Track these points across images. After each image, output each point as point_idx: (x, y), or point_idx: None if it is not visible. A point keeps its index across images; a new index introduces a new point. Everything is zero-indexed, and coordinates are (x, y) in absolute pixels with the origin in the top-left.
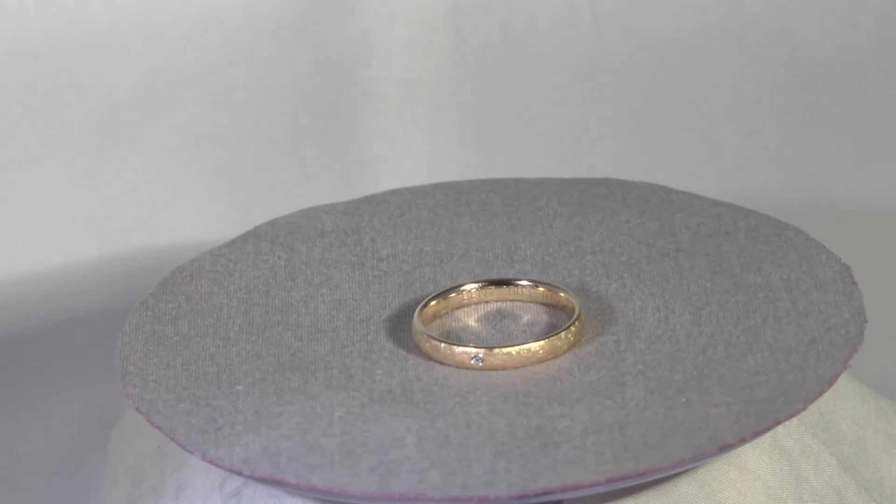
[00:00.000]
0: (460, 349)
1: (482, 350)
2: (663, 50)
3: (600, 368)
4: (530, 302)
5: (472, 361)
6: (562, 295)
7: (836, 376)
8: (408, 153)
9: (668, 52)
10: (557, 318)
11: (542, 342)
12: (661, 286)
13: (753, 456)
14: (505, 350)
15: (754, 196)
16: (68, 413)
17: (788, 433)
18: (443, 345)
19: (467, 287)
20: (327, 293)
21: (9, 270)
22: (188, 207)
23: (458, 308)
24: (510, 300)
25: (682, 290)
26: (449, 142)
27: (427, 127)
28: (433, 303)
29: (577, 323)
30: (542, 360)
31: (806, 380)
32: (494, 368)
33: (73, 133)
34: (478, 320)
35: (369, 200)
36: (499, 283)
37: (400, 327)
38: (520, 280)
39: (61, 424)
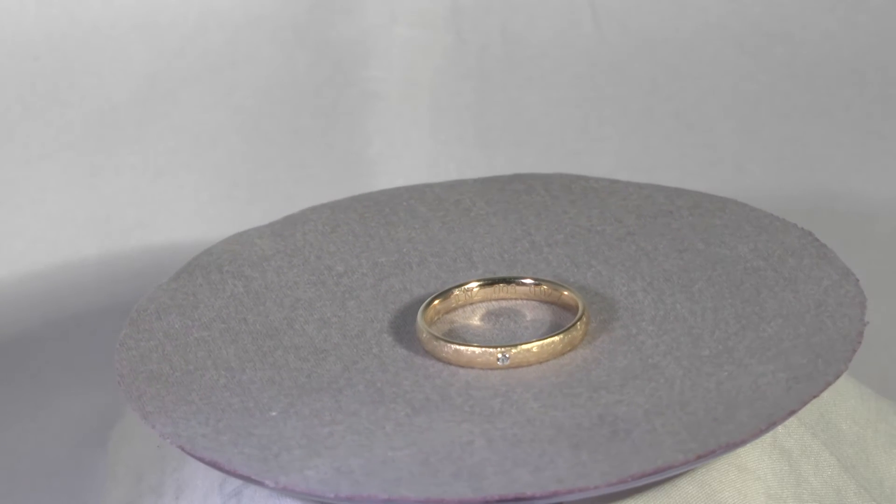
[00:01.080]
0: (482, 350)
1: (505, 349)
2: (663, 50)
3: (626, 354)
4: (531, 300)
5: (499, 361)
6: (565, 293)
7: (861, 333)
8: (408, 153)
9: (668, 53)
10: (557, 314)
11: (560, 335)
12: (635, 269)
13: (753, 456)
14: (526, 346)
15: (754, 196)
16: (68, 413)
17: (788, 433)
18: (464, 347)
19: (470, 286)
20: (305, 314)
21: (9, 270)
22: (188, 207)
23: (458, 309)
24: (512, 299)
25: (660, 271)
26: (449, 142)
27: (427, 127)
28: (435, 303)
29: (585, 315)
30: (561, 354)
31: (834, 340)
32: (518, 366)
33: (73, 133)
34: (481, 319)
35: (290, 220)
36: (500, 281)
37: (402, 336)
38: (523, 278)
39: (61, 424)
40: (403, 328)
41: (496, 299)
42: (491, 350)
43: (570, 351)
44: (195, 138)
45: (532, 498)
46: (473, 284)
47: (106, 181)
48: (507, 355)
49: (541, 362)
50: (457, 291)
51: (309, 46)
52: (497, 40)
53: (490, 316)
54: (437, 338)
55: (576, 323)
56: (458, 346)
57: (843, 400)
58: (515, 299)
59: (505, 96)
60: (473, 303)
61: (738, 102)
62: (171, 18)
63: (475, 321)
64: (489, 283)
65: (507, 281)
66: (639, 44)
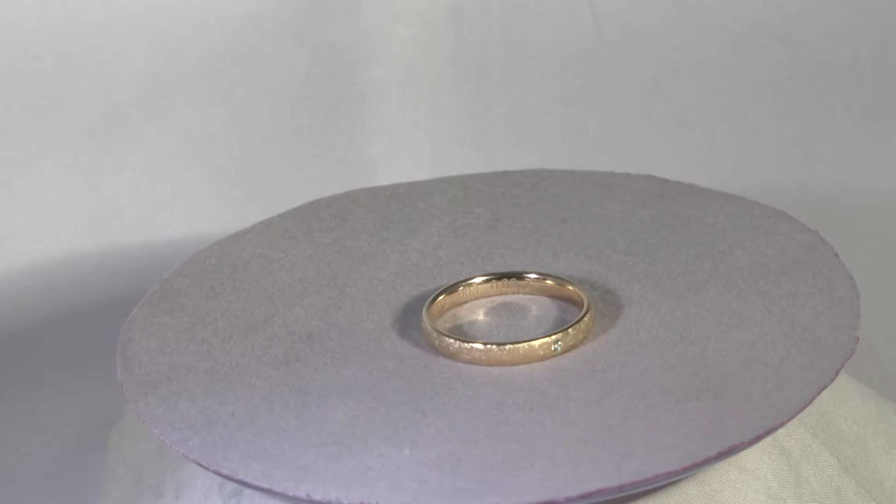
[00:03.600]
0: (531, 343)
1: (559, 335)
2: (663, 50)
3: (654, 342)
4: (536, 295)
5: (553, 348)
6: (570, 288)
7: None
8: (408, 153)
9: (668, 53)
10: (563, 309)
11: (561, 333)
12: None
13: (753, 456)
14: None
15: (754, 196)
16: (68, 413)
17: (788, 433)
18: (515, 345)
19: (475, 281)
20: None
21: (9, 270)
22: (188, 207)
23: (463, 304)
24: (517, 294)
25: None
26: (449, 141)
27: (427, 127)
28: (440, 298)
29: (590, 309)
30: (564, 351)
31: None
32: (523, 361)
33: (73, 133)
34: (486, 314)
35: (239, 238)
36: (505, 276)
37: (407, 333)
38: (528, 273)
39: (61, 424)
40: (409, 324)
41: (501, 294)
42: (547, 340)
43: (573, 348)
44: (195, 138)
45: (637, 483)
46: (478, 279)
47: (106, 181)
48: (560, 344)
49: (542, 359)
50: (462, 287)
51: (309, 46)
52: (497, 40)
53: (495, 311)
54: (442, 334)
55: (584, 317)
56: (498, 346)
57: (843, 400)
58: (520, 294)
59: (505, 96)
60: (478, 298)
61: (738, 102)
62: (171, 18)
63: (480, 316)
64: (494, 278)
65: (511, 276)
66: (639, 44)
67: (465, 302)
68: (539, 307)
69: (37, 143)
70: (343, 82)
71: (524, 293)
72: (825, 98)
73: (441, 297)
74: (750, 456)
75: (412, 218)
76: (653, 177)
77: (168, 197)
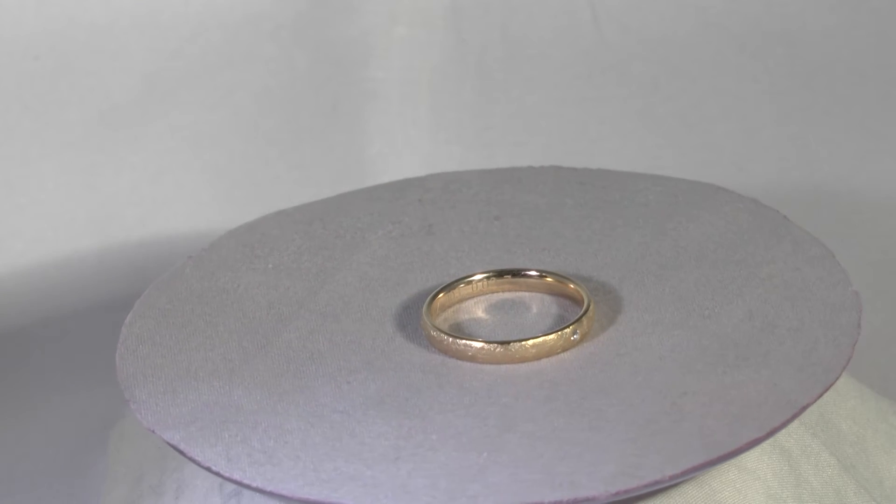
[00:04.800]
0: (481, 344)
1: (574, 326)
2: (663, 50)
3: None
4: (536, 292)
5: (573, 338)
6: (570, 285)
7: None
8: (408, 153)
9: (668, 52)
10: (563, 306)
11: (562, 330)
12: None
13: (753, 456)
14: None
15: (754, 196)
16: (68, 413)
17: (788, 433)
18: (467, 342)
19: (475, 278)
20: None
21: (9, 270)
22: (188, 207)
23: (463, 301)
24: (517, 291)
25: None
26: (449, 141)
27: (427, 127)
28: (440, 296)
29: (591, 308)
30: (564, 349)
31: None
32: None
33: (73, 133)
34: (486, 312)
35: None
36: (505, 273)
37: (407, 330)
38: (528, 270)
39: (61, 424)
40: (408, 322)
41: (501, 291)
42: (565, 332)
43: (574, 346)
44: (195, 138)
45: (684, 473)
46: (478, 277)
47: (106, 181)
48: (578, 334)
49: (542, 357)
50: (462, 284)
51: (309, 46)
52: (497, 40)
53: (495, 308)
54: (442, 332)
55: (582, 316)
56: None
57: (843, 400)
58: (521, 292)
59: (505, 96)
60: (478, 295)
61: (738, 102)
62: (170, 18)
63: (480, 314)
64: (494, 275)
65: (512, 273)
66: (639, 44)
67: (466, 299)
68: (539, 304)
69: (37, 143)
70: (343, 82)
71: (524, 290)
72: (825, 98)
73: (441, 295)
74: (750, 456)
75: (343, 235)
76: (558, 167)
77: (168, 197)
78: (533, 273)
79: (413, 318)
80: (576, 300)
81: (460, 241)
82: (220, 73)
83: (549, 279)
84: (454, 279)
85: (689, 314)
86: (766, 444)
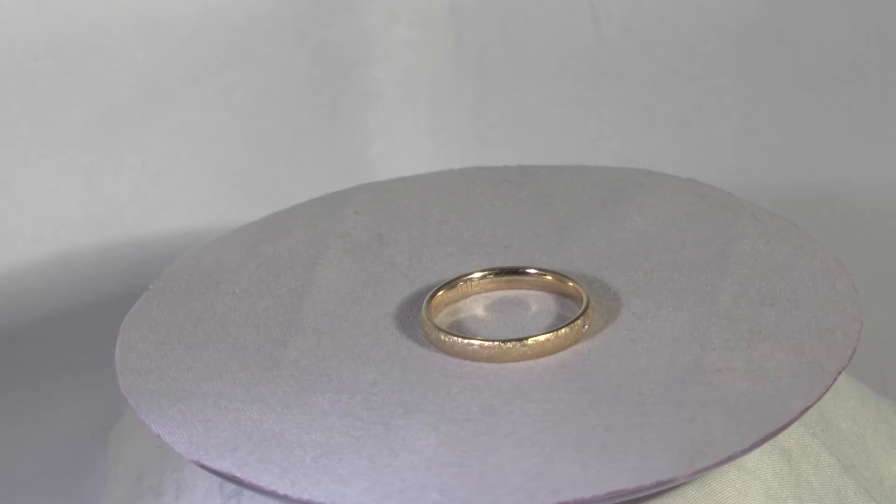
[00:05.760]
0: (481, 343)
1: (584, 319)
2: (663, 50)
3: (671, 330)
4: (536, 290)
5: (584, 329)
6: (570, 284)
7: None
8: (408, 153)
9: (668, 53)
10: (562, 304)
11: (564, 329)
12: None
13: (753, 456)
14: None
15: (754, 196)
16: (68, 413)
17: (788, 433)
18: (466, 340)
19: (474, 276)
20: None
21: (8, 270)
22: (187, 207)
23: (463, 299)
24: (517, 289)
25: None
26: (449, 142)
27: (427, 127)
28: (440, 294)
29: (590, 306)
30: (563, 347)
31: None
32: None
33: (73, 133)
34: (486, 310)
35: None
36: (505, 272)
37: (406, 328)
38: (528, 269)
39: (61, 424)
40: (408, 319)
41: (501, 290)
42: (577, 323)
43: (572, 344)
44: (195, 138)
45: (711, 465)
46: (478, 275)
47: (105, 181)
48: (587, 326)
49: (544, 356)
50: (461, 282)
51: (309, 46)
52: (497, 40)
53: (495, 306)
54: (441, 330)
55: (581, 315)
56: (461, 339)
57: (843, 400)
58: (520, 290)
59: (505, 96)
60: (478, 293)
61: (738, 102)
62: (171, 18)
63: (480, 312)
64: (494, 273)
65: (511, 272)
66: (639, 44)
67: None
68: (538, 302)
69: (37, 143)
70: (343, 82)
71: (524, 288)
72: (825, 98)
73: (441, 293)
74: (750, 456)
75: (298, 254)
76: (479, 167)
77: (167, 196)
78: (532, 271)
79: (412, 324)
80: (572, 296)
81: (419, 247)
82: (220, 73)
83: (548, 277)
84: (454, 277)
85: (685, 296)
86: (766, 445)
